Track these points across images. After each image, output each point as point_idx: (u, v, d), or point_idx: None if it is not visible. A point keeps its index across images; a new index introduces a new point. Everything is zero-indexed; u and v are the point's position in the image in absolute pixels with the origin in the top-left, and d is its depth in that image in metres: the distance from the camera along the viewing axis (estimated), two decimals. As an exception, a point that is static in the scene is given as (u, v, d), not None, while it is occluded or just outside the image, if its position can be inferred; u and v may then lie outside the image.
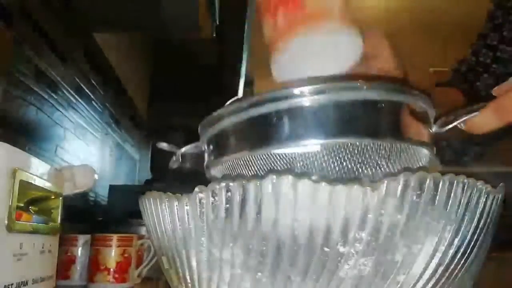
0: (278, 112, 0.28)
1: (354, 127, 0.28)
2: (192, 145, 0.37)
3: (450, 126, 0.31)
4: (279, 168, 0.32)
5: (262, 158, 0.32)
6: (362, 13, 2.70)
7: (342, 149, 0.30)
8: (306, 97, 0.28)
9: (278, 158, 0.32)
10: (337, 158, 0.31)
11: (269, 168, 0.32)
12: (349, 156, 0.31)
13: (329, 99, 0.28)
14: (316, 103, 0.28)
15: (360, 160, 0.31)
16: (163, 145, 0.38)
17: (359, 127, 0.28)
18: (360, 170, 0.31)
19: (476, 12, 0.64)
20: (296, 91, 0.28)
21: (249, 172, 0.32)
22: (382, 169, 0.32)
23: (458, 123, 0.31)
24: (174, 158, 0.39)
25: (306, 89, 0.27)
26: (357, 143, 0.30)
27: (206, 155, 0.34)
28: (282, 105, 0.28)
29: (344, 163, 0.31)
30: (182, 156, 0.38)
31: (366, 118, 0.28)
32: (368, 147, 0.30)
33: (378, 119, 0.29)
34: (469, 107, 0.32)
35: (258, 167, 0.32)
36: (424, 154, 0.32)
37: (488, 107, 0.31)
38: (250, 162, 0.32)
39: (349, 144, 0.30)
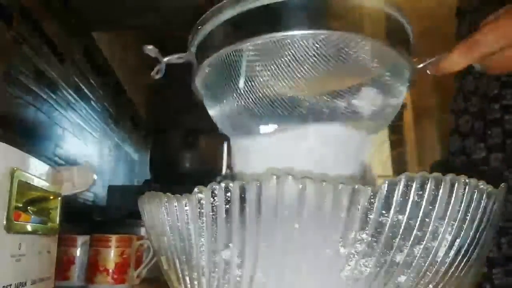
0: (259, 7, 0.30)
1: (340, 22, 0.30)
2: (176, 55, 0.37)
3: (424, 64, 0.35)
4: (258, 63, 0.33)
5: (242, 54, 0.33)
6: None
7: (326, 42, 0.32)
8: None
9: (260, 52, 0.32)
10: (321, 51, 0.32)
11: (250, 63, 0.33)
12: (335, 49, 0.32)
13: None
14: None
15: (345, 55, 0.33)
16: (149, 48, 0.36)
17: (345, 23, 0.30)
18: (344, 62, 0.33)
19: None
20: None
21: (232, 72, 0.34)
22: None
23: (431, 62, 0.35)
24: (157, 67, 0.38)
25: None
26: (341, 36, 0.31)
27: (194, 63, 0.35)
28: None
29: (329, 58, 0.32)
30: (167, 65, 0.38)
31: (353, 16, 0.31)
32: (353, 43, 0.32)
33: (364, 20, 0.31)
34: None
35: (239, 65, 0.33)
36: (402, 85, 0.36)
37: (459, 45, 0.34)
38: (234, 60, 0.33)
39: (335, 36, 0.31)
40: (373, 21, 0.31)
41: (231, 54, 0.33)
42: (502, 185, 0.28)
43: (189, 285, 0.29)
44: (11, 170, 0.38)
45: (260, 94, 0.35)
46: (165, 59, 0.38)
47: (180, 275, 0.29)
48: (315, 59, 0.32)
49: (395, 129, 2.58)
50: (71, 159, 0.88)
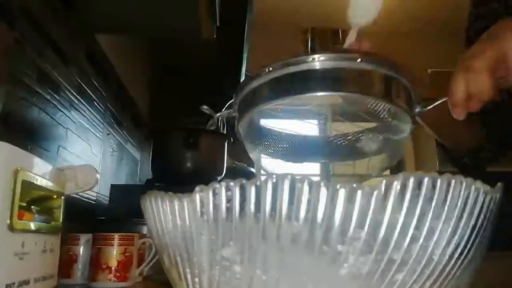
0: (298, 72, 0.39)
1: (350, 85, 0.39)
2: (226, 111, 0.47)
3: (431, 106, 0.41)
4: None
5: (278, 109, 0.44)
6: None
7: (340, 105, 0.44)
8: (316, 62, 0.39)
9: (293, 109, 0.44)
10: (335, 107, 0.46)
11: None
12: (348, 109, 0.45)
13: (332, 65, 0.39)
14: (324, 66, 0.39)
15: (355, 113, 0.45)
16: (205, 108, 0.47)
17: (354, 85, 0.39)
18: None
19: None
20: (309, 58, 0.39)
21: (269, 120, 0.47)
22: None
23: (438, 104, 0.41)
24: (211, 121, 0.49)
25: (316, 56, 0.39)
26: (351, 96, 0.40)
27: (237, 113, 0.45)
28: (296, 68, 0.39)
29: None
30: (218, 120, 0.48)
31: (361, 80, 0.39)
32: (362, 102, 0.42)
33: (371, 83, 0.39)
34: None
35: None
36: (405, 127, 0.43)
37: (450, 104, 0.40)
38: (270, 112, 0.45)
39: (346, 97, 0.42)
40: (376, 82, 0.39)
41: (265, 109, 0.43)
42: (499, 184, 0.28)
43: (190, 283, 0.29)
44: (15, 170, 0.38)
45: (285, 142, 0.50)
46: (217, 115, 0.48)
47: (182, 273, 0.29)
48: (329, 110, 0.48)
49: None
50: (74, 158, 0.89)
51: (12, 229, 0.37)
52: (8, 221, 0.37)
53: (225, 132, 1.15)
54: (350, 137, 0.50)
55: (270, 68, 0.40)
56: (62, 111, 0.83)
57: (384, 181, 0.24)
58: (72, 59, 0.88)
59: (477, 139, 0.60)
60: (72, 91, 0.88)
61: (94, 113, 1.03)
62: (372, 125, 0.48)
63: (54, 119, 0.80)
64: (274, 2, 2.66)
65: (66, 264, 0.65)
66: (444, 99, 0.41)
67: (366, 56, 0.39)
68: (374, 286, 0.26)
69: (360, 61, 0.38)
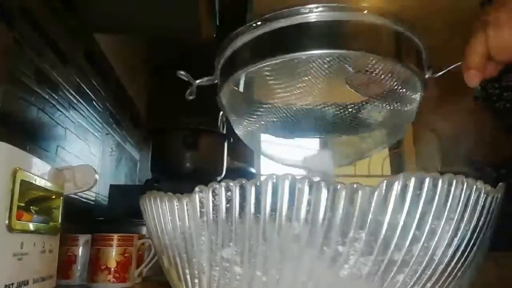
0: (284, 28, 0.33)
1: (353, 42, 0.33)
2: (205, 78, 0.41)
3: (444, 71, 0.36)
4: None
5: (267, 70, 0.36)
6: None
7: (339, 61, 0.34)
8: (312, 14, 0.32)
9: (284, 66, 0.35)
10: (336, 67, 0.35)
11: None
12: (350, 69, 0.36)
13: (332, 17, 0.32)
14: (322, 19, 0.32)
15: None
16: (181, 73, 0.41)
17: (358, 42, 0.33)
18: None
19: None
20: (304, 9, 0.32)
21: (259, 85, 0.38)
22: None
23: (450, 69, 0.36)
24: (190, 89, 0.42)
25: (313, 6, 0.32)
26: (355, 55, 0.34)
27: (219, 80, 0.39)
28: (289, 21, 0.33)
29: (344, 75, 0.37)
30: (197, 88, 0.42)
31: (367, 36, 0.33)
32: (367, 65, 0.35)
33: (378, 40, 0.33)
34: None
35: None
36: (415, 95, 0.38)
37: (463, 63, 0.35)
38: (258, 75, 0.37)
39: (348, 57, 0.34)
40: (385, 39, 0.34)
41: (250, 73, 0.37)
42: (500, 184, 0.28)
43: (189, 283, 0.29)
44: (13, 170, 0.38)
45: (275, 111, 0.40)
46: (197, 82, 0.42)
47: (181, 274, 0.29)
48: (329, 76, 0.35)
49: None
50: (73, 158, 0.89)
51: (11, 229, 0.37)
52: (7, 222, 0.37)
53: (225, 132, 1.15)
54: (353, 106, 0.41)
55: (258, 23, 0.33)
56: (61, 111, 0.83)
57: (385, 182, 0.24)
58: (71, 59, 0.88)
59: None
60: (71, 91, 0.88)
61: (93, 113, 1.02)
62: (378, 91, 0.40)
63: (53, 119, 0.80)
64: (274, 2, 2.66)
65: (65, 265, 0.64)
66: (458, 64, 0.36)
67: (373, 9, 0.33)
68: (375, 287, 0.25)
69: (366, 13, 0.32)
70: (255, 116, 0.41)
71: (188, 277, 0.29)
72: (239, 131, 0.43)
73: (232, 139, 1.16)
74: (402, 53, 0.34)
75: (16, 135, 0.67)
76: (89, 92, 0.99)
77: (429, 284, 0.26)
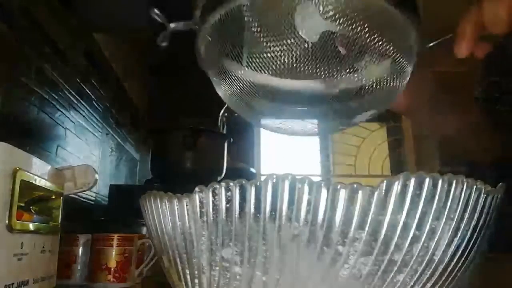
0: None
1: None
2: (182, 22, 0.37)
3: (435, 43, 0.36)
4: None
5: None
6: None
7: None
8: None
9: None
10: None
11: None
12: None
13: None
14: None
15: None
16: (156, 12, 0.37)
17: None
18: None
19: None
20: None
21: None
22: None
23: (443, 40, 0.36)
24: (163, 33, 0.38)
25: None
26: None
27: (198, 24, 0.36)
28: None
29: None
30: (173, 32, 0.38)
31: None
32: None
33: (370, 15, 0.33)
34: None
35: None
36: (407, 68, 0.37)
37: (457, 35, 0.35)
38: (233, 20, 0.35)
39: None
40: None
41: (230, 14, 0.34)
42: (500, 184, 0.28)
43: (189, 283, 0.29)
44: (13, 170, 0.38)
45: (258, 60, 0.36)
46: (172, 25, 0.37)
47: (181, 274, 0.29)
48: (314, 19, 0.34)
49: (393, 130, 2.58)
50: (73, 158, 0.89)
51: (11, 229, 0.37)
52: (7, 222, 0.37)
53: (225, 132, 1.15)
54: (353, 49, 0.37)
55: None
56: (61, 111, 0.83)
57: (385, 182, 0.24)
58: (71, 59, 0.88)
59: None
60: (71, 91, 0.88)
61: (93, 113, 1.02)
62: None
63: (53, 119, 0.80)
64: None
65: (65, 265, 0.65)
66: (451, 35, 0.36)
67: None
68: (375, 287, 0.25)
69: None
70: (238, 78, 0.38)
71: (188, 277, 0.29)
72: (221, 93, 0.40)
73: (232, 139, 1.16)
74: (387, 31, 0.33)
75: (16, 135, 0.67)
76: (89, 92, 0.99)
77: (429, 284, 0.26)
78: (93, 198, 1.01)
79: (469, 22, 0.35)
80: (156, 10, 0.37)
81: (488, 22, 0.34)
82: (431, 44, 0.37)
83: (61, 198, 0.50)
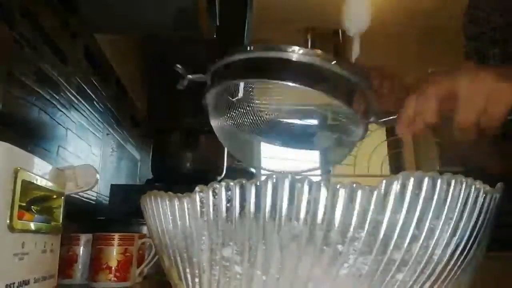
0: (271, 58, 0.42)
1: (317, 82, 0.42)
2: (198, 75, 0.49)
3: (383, 120, 0.46)
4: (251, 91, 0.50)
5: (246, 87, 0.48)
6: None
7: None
8: (292, 54, 0.42)
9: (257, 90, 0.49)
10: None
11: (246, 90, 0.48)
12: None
13: (307, 59, 0.42)
14: (298, 59, 0.42)
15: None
16: (178, 67, 0.49)
17: (321, 84, 0.42)
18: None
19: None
20: (289, 48, 0.42)
21: (238, 106, 0.50)
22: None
23: (387, 120, 0.46)
24: (181, 81, 0.50)
25: (295, 48, 0.42)
26: (319, 92, 0.43)
27: (208, 81, 0.47)
28: (275, 54, 0.42)
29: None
30: (189, 81, 0.50)
31: (327, 80, 0.42)
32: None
33: (336, 84, 0.43)
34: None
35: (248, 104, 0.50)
36: (359, 132, 0.48)
37: (398, 119, 0.44)
38: (238, 90, 0.48)
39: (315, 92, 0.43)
40: (341, 85, 0.43)
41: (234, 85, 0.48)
42: (499, 184, 0.28)
43: (190, 283, 0.29)
44: (15, 170, 0.38)
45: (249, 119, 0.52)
46: (190, 76, 0.50)
47: (182, 273, 0.29)
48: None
49: (392, 130, 2.58)
50: (74, 158, 0.89)
51: (12, 229, 0.37)
52: (8, 221, 0.37)
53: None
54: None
55: (252, 48, 0.43)
56: (61, 111, 0.83)
57: (384, 181, 0.24)
58: (72, 59, 0.88)
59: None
60: (71, 91, 0.88)
61: (94, 113, 1.03)
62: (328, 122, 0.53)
63: (54, 119, 0.80)
64: (274, 2, 2.66)
65: (66, 264, 0.65)
66: (395, 116, 0.44)
67: (340, 60, 0.42)
68: (374, 286, 0.26)
69: (334, 63, 0.42)
70: (233, 117, 0.51)
71: (189, 276, 0.29)
72: (217, 130, 0.52)
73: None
74: (351, 99, 0.44)
75: (17, 135, 0.67)
76: (90, 92, 0.99)
77: (428, 283, 0.26)
78: (94, 198, 1.01)
79: (407, 108, 0.43)
80: (179, 66, 0.50)
81: (420, 113, 0.42)
82: (380, 120, 0.46)
83: (62, 197, 0.50)
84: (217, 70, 0.46)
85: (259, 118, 0.52)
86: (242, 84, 0.47)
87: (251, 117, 0.52)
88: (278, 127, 0.54)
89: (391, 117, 0.45)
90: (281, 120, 0.54)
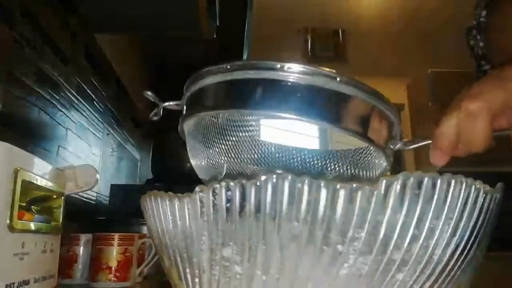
0: (256, 80, 0.32)
1: (320, 112, 0.31)
2: (174, 102, 0.40)
3: (413, 146, 0.36)
4: (240, 132, 0.37)
5: (230, 127, 0.37)
6: (359, 13, 2.71)
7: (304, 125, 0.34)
8: (284, 72, 0.31)
9: (243, 124, 0.37)
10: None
11: (229, 132, 0.37)
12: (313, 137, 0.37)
13: (304, 80, 0.31)
14: (293, 80, 0.31)
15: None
16: (148, 94, 0.40)
17: (324, 113, 0.31)
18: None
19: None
20: (278, 64, 0.31)
21: (218, 137, 0.38)
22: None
23: (418, 146, 0.36)
24: (155, 110, 0.41)
25: (286, 65, 0.31)
26: (320, 126, 0.34)
27: (184, 109, 0.38)
28: (262, 74, 0.31)
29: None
30: (163, 110, 0.41)
31: (335, 107, 0.32)
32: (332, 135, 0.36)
33: (345, 111, 0.32)
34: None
35: (227, 136, 0.37)
36: (381, 163, 0.37)
37: (431, 150, 0.34)
38: (220, 127, 0.37)
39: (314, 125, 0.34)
40: (352, 112, 0.33)
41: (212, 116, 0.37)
42: (499, 184, 0.28)
43: (190, 283, 0.29)
44: (15, 170, 0.38)
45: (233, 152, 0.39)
46: (164, 104, 0.40)
47: (182, 273, 0.29)
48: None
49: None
50: (74, 159, 0.89)
51: (12, 229, 0.37)
52: (8, 221, 0.37)
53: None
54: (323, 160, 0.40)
55: (228, 67, 0.32)
56: (62, 111, 0.83)
57: (384, 181, 0.24)
58: (72, 59, 0.88)
59: None
60: (72, 91, 0.88)
61: (94, 113, 1.03)
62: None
63: (54, 119, 0.80)
64: (274, 2, 2.66)
65: (66, 264, 0.65)
66: (429, 141, 0.35)
67: (346, 77, 0.31)
68: (374, 286, 0.26)
69: (339, 81, 0.31)
70: (215, 154, 0.39)
71: (189, 276, 0.29)
72: (195, 162, 0.42)
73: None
74: (367, 127, 0.33)
75: (17, 135, 0.67)
76: (90, 92, 0.99)
77: (428, 283, 0.26)
78: (94, 198, 1.01)
79: (445, 135, 0.33)
80: (149, 92, 0.40)
81: (465, 140, 0.33)
82: (409, 147, 0.36)
83: (62, 197, 0.50)
84: (192, 96, 0.36)
85: (247, 156, 0.38)
86: (221, 115, 0.36)
87: (238, 155, 0.38)
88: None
89: (424, 142, 0.35)
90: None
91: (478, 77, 0.55)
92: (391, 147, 0.35)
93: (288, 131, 0.38)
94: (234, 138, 0.38)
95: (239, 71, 0.32)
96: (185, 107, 0.38)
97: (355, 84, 0.32)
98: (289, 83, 0.31)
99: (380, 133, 0.34)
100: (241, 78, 0.32)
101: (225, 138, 0.38)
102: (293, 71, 0.31)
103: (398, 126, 0.36)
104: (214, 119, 0.37)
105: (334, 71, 0.31)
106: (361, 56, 2.71)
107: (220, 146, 0.38)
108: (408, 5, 2.67)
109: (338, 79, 0.31)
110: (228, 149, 0.38)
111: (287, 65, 0.31)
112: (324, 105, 0.31)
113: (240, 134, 0.37)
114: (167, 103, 0.40)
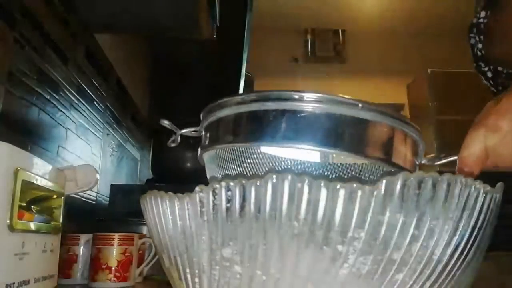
0: (278, 111, 0.31)
1: (343, 141, 0.31)
2: (191, 128, 0.40)
3: (440, 162, 0.36)
4: (263, 166, 0.38)
5: (249, 154, 0.37)
6: (359, 13, 2.71)
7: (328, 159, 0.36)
8: (304, 103, 0.30)
9: (266, 158, 0.38)
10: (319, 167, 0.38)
11: (250, 166, 0.38)
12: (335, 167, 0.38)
13: (325, 109, 0.30)
14: (312, 110, 0.31)
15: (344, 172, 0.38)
16: (165, 123, 0.41)
17: (348, 142, 0.31)
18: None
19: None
20: (296, 95, 0.30)
21: (236, 163, 0.38)
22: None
23: (448, 161, 0.36)
24: (173, 137, 0.41)
25: (305, 95, 0.31)
26: (343, 157, 0.35)
27: (202, 139, 0.38)
28: (282, 105, 0.31)
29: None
30: (180, 137, 0.41)
31: (357, 135, 0.31)
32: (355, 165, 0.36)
33: (367, 138, 0.31)
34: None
35: (245, 162, 0.38)
36: None
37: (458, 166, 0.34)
38: (239, 155, 0.37)
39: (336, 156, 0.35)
40: (375, 138, 0.32)
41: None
42: (499, 184, 0.28)
43: (190, 283, 0.29)
44: (15, 170, 0.38)
45: None
46: (181, 132, 0.41)
47: (182, 273, 0.29)
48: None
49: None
50: (74, 158, 0.89)
51: (12, 229, 0.37)
52: (8, 221, 0.37)
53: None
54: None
55: (244, 97, 0.32)
56: (62, 111, 0.83)
57: (384, 181, 0.24)
58: (72, 59, 0.88)
59: None
60: (72, 91, 0.88)
61: (94, 113, 1.03)
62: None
63: (54, 119, 0.80)
64: (274, 2, 2.66)
65: (66, 264, 0.65)
66: (455, 157, 0.35)
67: (369, 104, 0.30)
68: (374, 286, 0.26)
69: (361, 108, 0.30)
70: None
71: (189, 276, 0.29)
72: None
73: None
74: (391, 151, 0.32)
75: (17, 135, 0.67)
76: (90, 92, 0.99)
77: (428, 283, 0.26)
78: (94, 198, 1.01)
79: (472, 152, 0.33)
80: (166, 121, 0.40)
81: (491, 156, 0.33)
82: (436, 163, 0.36)
83: (62, 197, 0.50)
84: (210, 126, 0.36)
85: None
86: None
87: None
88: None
89: (450, 158, 0.35)
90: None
91: (496, 84, 0.55)
92: (416, 163, 0.35)
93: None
94: (251, 161, 0.38)
95: (256, 103, 0.31)
96: (203, 134, 0.37)
97: (377, 110, 0.31)
98: (308, 114, 0.30)
99: (406, 156, 0.34)
100: (259, 109, 0.31)
101: (243, 162, 0.38)
102: (312, 100, 0.30)
103: (422, 143, 0.35)
104: (231, 150, 0.37)
105: (353, 98, 0.31)
106: (361, 56, 2.71)
107: (237, 169, 0.38)
108: (408, 5, 2.67)
109: (360, 105, 0.30)
110: (245, 172, 0.39)
111: (306, 95, 0.30)
112: (347, 135, 0.31)
113: (257, 161, 0.39)
114: (184, 130, 0.40)
